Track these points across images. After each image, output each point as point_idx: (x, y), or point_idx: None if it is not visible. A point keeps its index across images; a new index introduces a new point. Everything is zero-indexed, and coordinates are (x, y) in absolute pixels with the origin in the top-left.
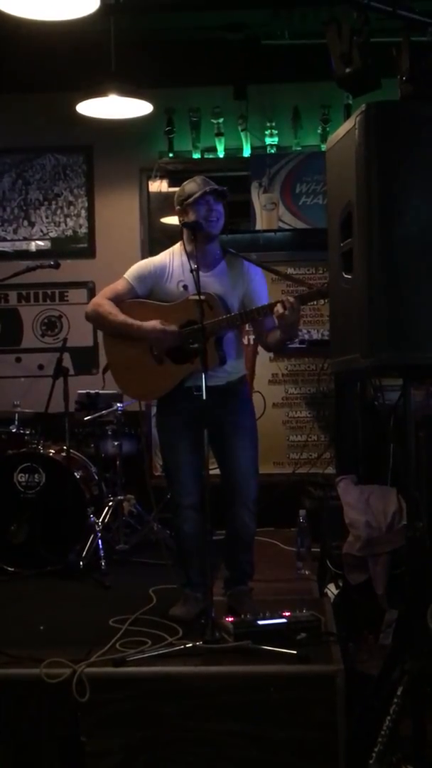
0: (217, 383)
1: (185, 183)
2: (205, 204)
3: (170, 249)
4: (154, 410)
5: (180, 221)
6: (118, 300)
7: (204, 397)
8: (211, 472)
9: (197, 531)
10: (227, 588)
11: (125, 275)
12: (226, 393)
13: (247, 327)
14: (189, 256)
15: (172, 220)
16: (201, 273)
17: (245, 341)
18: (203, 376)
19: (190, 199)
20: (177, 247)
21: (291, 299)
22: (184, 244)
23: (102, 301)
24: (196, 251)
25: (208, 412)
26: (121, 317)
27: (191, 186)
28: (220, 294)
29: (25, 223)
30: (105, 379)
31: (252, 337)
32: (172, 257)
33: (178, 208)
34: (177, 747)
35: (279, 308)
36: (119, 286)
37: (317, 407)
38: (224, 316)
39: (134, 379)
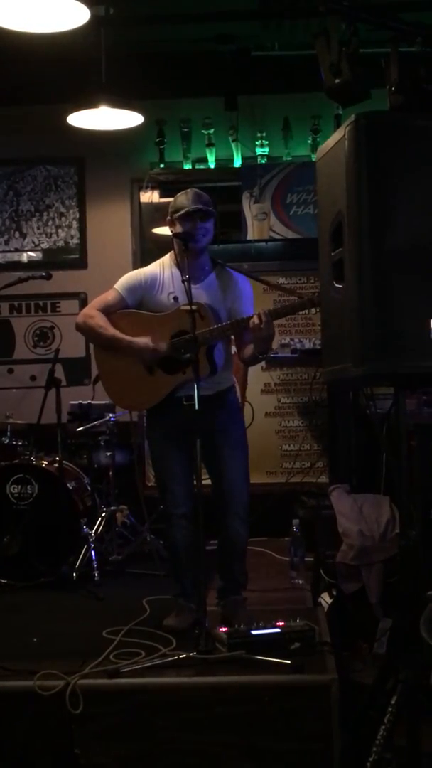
0: (207, 392)
1: (178, 195)
2: (191, 221)
3: (160, 260)
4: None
5: (171, 232)
6: (108, 311)
7: (197, 407)
8: (204, 482)
9: (190, 541)
10: (221, 598)
11: (116, 286)
12: (216, 402)
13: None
14: (179, 267)
15: (164, 230)
16: (191, 284)
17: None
18: (195, 385)
19: (177, 215)
20: (167, 259)
21: (263, 312)
22: (174, 255)
23: (93, 313)
24: (186, 262)
25: (199, 421)
26: (111, 331)
27: (182, 199)
28: (209, 305)
29: (17, 234)
30: (96, 389)
31: None
32: (163, 268)
33: (168, 219)
34: (171, 759)
35: (255, 319)
36: (110, 296)
37: (310, 416)
38: (215, 326)
39: (125, 390)
